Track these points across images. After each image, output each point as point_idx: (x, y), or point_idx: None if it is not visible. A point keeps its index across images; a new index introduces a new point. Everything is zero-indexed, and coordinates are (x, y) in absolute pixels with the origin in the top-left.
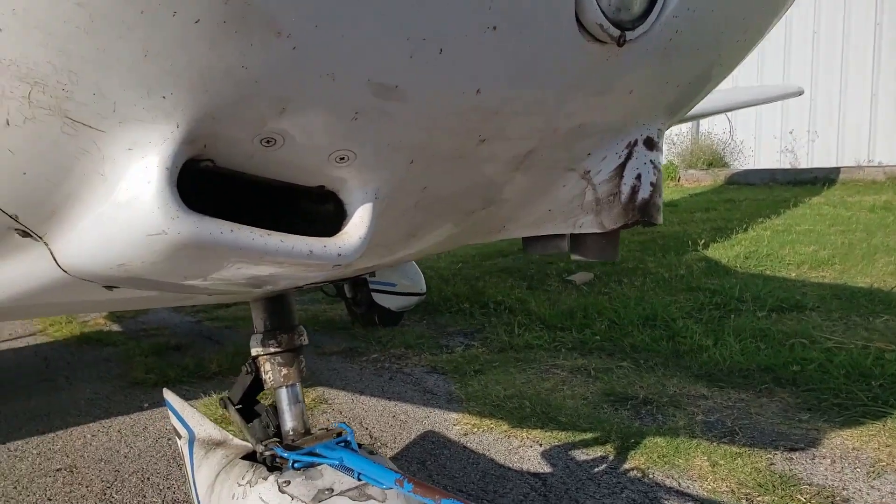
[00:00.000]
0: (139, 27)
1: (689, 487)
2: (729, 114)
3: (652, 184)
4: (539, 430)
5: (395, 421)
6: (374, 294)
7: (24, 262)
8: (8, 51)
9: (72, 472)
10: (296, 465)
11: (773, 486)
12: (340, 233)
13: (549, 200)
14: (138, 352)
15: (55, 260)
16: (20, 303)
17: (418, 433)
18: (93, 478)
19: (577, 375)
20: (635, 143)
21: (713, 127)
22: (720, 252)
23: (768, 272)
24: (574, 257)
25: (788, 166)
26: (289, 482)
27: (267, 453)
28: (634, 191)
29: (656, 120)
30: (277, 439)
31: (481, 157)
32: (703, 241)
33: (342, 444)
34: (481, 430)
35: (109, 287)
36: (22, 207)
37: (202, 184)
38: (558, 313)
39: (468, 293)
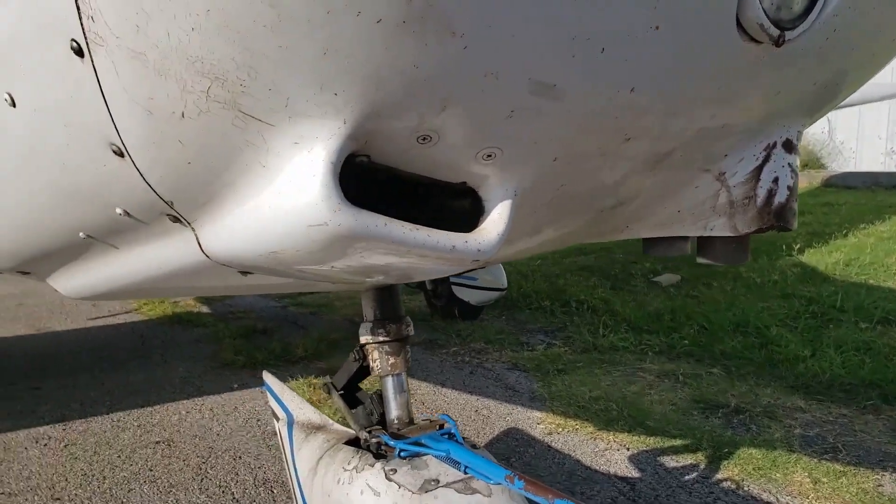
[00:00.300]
0: (323, 26)
1: None
2: (829, 112)
3: (789, 188)
4: (626, 434)
5: (477, 416)
6: (454, 287)
7: (169, 245)
8: (196, 48)
9: (169, 445)
10: (402, 454)
11: None
12: (479, 229)
13: (680, 201)
14: (227, 334)
15: (199, 245)
16: (156, 283)
17: (501, 429)
18: (189, 452)
19: (664, 380)
20: (774, 144)
21: (811, 127)
22: (817, 258)
23: (872, 281)
24: (700, 260)
25: (894, 169)
26: (395, 470)
27: (373, 440)
28: (771, 194)
29: (797, 121)
30: (381, 427)
31: (623, 155)
32: (797, 246)
33: (446, 435)
34: (566, 430)
35: (245, 273)
36: (179, 195)
37: (347, 178)
38: (644, 315)
39: (548, 290)
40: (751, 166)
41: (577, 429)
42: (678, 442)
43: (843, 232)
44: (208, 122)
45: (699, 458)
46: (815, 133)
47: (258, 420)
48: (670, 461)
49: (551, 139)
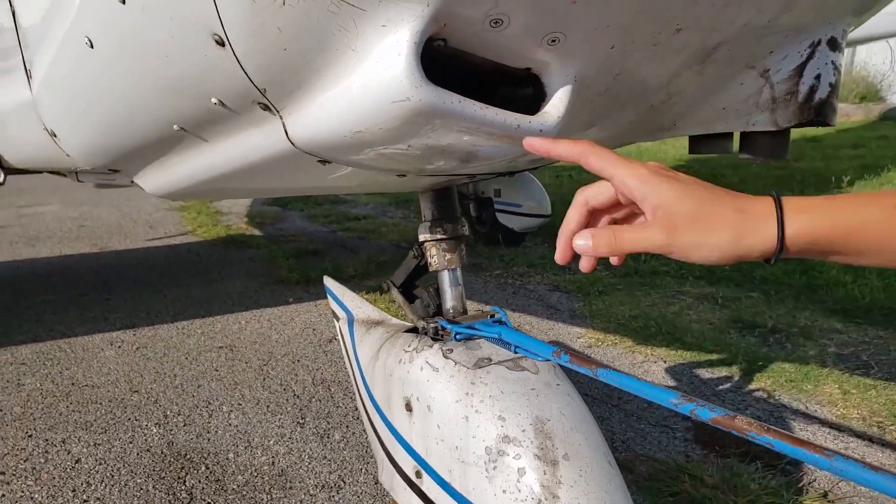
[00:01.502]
0: None
1: (816, 411)
2: (891, 41)
3: (831, 84)
4: (664, 349)
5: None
6: (498, 214)
7: (256, 135)
8: None
9: (232, 350)
10: (457, 336)
11: None
12: (541, 111)
13: (725, 98)
14: (280, 254)
15: (286, 132)
16: (237, 178)
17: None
18: (251, 356)
19: (703, 302)
20: (819, 42)
21: (871, 56)
22: (867, 190)
23: None
24: (742, 156)
25: None
26: (452, 350)
27: (431, 326)
28: (812, 90)
29: (843, 20)
30: (439, 315)
31: (673, 46)
32: (847, 178)
33: (497, 322)
34: (606, 344)
35: (324, 162)
36: (272, 82)
37: (427, 62)
38: None
39: None
40: (794, 63)
41: (616, 343)
42: (714, 356)
43: None
44: (306, 9)
45: (733, 371)
46: (876, 63)
47: (314, 329)
48: (705, 373)
49: (610, 26)
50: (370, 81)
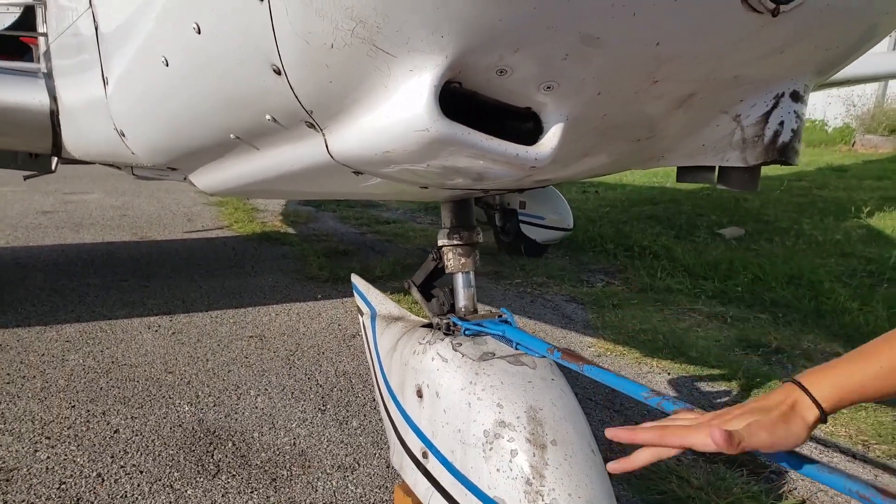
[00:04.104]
0: None
1: None
2: None
3: (793, 130)
4: (669, 361)
5: (523, 330)
6: (522, 225)
7: (301, 147)
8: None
9: (262, 339)
10: (466, 332)
11: (893, 437)
12: (538, 143)
13: (704, 136)
14: (311, 252)
15: (327, 147)
16: (281, 181)
17: None
18: (279, 346)
19: (713, 321)
20: (782, 94)
21: None
22: (885, 222)
23: None
24: (719, 186)
25: None
26: (461, 344)
27: (443, 321)
28: (777, 135)
29: (804, 77)
30: (452, 313)
31: (652, 94)
32: (867, 209)
33: (503, 322)
34: (614, 353)
35: (357, 173)
36: (318, 105)
37: (445, 99)
38: (703, 263)
39: (613, 235)
40: (762, 111)
41: (624, 353)
42: (715, 371)
43: None
44: (350, 53)
45: (732, 386)
46: None
47: (339, 325)
48: (706, 386)
49: (595, 78)
50: (398, 113)
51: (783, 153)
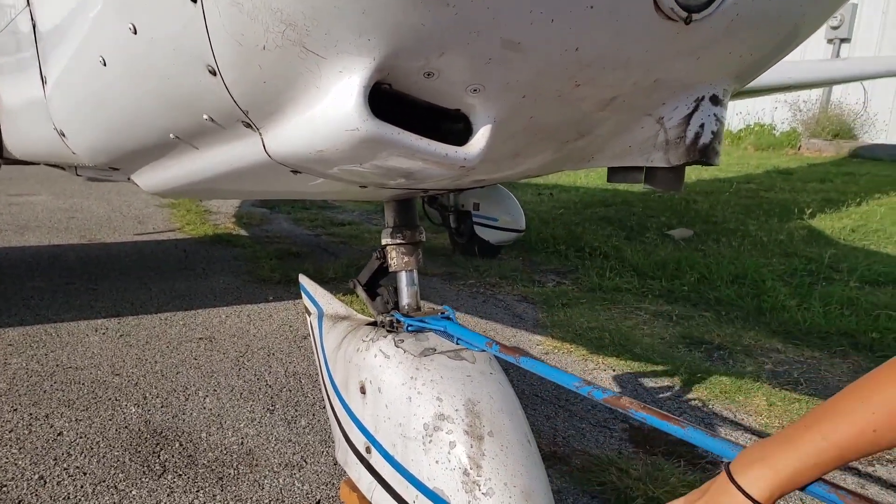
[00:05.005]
0: None
1: (743, 420)
2: (866, 83)
3: (713, 132)
4: (614, 359)
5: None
6: (476, 227)
7: (239, 146)
8: (278, 3)
9: (211, 341)
10: (409, 328)
11: None
12: (467, 144)
13: (630, 138)
14: (264, 254)
15: (264, 146)
16: (222, 180)
17: None
18: (228, 348)
19: (658, 319)
20: (702, 98)
21: (846, 96)
22: (826, 223)
23: (872, 247)
24: (646, 186)
25: None
26: (403, 340)
27: (387, 319)
28: (697, 136)
29: (722, 82)
30: (395, 310)
31: (576, 97)
32: (810, 211)
33: (445, 318)
34: (561, 351)
35: (295, 172)
36: (253, 105)
37: (377, 100)
38: (651, 263)
39: (566, 236)
40: (683, 114)
41: (571, 351)
42: (659, 368)
43: (857, 201)
44: (281, 54)
45: (675, 382)
46: (850, 104)
47: (290, 326)
48: (649, 382)
49: (519, 81)
50: (329, 113)
51: (704, 154)
